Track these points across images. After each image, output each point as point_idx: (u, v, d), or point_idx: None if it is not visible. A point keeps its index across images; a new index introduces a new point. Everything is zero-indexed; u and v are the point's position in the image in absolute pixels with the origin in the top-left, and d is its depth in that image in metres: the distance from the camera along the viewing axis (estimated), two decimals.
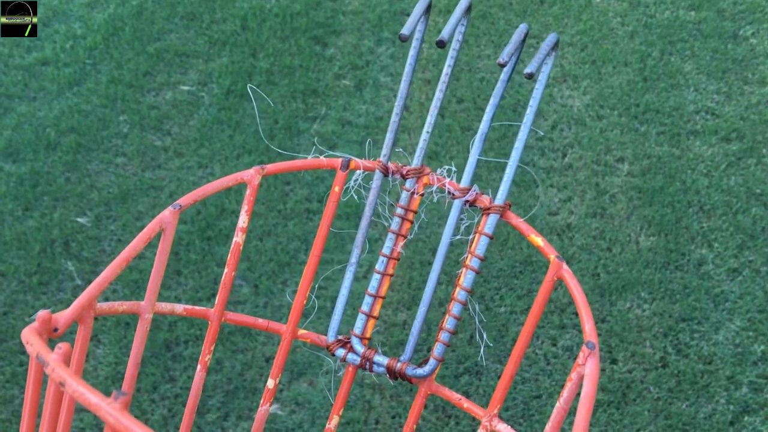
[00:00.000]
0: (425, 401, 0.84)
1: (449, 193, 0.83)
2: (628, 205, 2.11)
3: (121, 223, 2.07)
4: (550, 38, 0.76)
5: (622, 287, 1.92)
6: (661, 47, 2.61)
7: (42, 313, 0.61)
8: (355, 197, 0.84)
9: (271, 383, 0.86)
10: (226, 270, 0.82)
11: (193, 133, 2.34)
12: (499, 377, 1.76)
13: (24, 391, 1.72)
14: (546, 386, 1.74)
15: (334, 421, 0.86)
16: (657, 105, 2.40)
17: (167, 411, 1.69)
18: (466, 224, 0.82)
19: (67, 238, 2.03)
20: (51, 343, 0.60)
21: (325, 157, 0.85)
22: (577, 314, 1.88)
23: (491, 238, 0.80)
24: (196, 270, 1.96)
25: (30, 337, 0.57)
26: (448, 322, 0.80)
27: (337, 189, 0.84)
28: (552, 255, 0.75)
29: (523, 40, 0.77)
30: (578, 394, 0.64)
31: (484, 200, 0.82)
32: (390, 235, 0.83)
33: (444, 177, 0.83)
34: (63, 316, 0.64)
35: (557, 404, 0.66)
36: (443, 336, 0.81)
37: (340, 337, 0.85)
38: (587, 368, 0.64)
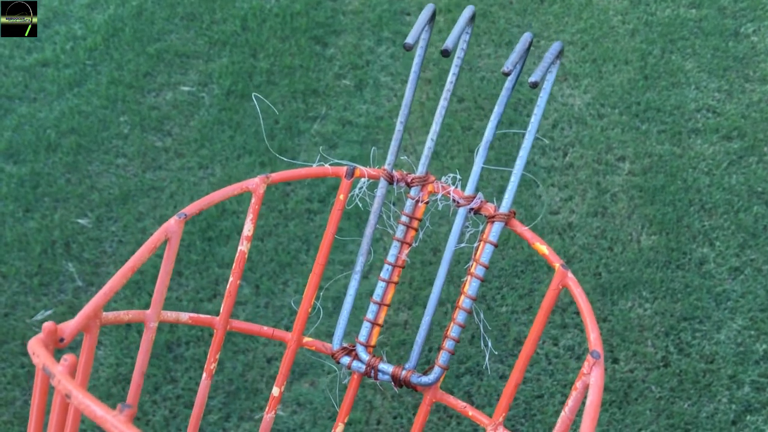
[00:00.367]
0: (430, 408, 0.84)
1: (454, 201, 0.83)
2: (629, 204, 2.11)
3: (122, 224, 2.08)
4: (555, 47, 0.76)
5: (624, 286, 1.92)
6: (662, 45, 2.61)
7: (48, 324, 0.61)
8: (360, 205, 0.84)
9: (276, 391, 0.86)
10: (231, 279, 0.82)
11: (193, 133, 2.34)
12: (500, 377, 1.76)
13: (25, 392, 1.73)
14: (548, 386, 1.74)
15: (339, 429, 0.86)
16: (658, 103, 2.40)
17: (168, 412, 1.69)
18: (471, 232, 0.82)
19: (67, 239, 2.03)
20: (57, 353, 0.60)
21: (330, 165, 0.85)
22: (578, 313, 1.88)
23: (496, 246, 0.80)
24: (197, 271, 1.96)
25: (36, 348, 0.57)
26: (453, 330, 0.80)
27: (341, 197, 0.84)
28: (557, 264, 0.75)
29: (528, 49, 0.77)
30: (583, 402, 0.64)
31: (489, 208, 0.81)
32: (395, 243, 0.83)
33: (449, 185, 0.83)
34: (69, 327, 0.64)
35: (562, 413, 0.66)
36: (448, 344, 0.81)
37: (345, 345, 0.85)
38: (592, 378, 0.64)
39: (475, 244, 0.81)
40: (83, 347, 0.68)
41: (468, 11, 0.78)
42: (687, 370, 1.76)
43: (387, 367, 0.83)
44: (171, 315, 0.80)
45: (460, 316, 0.80)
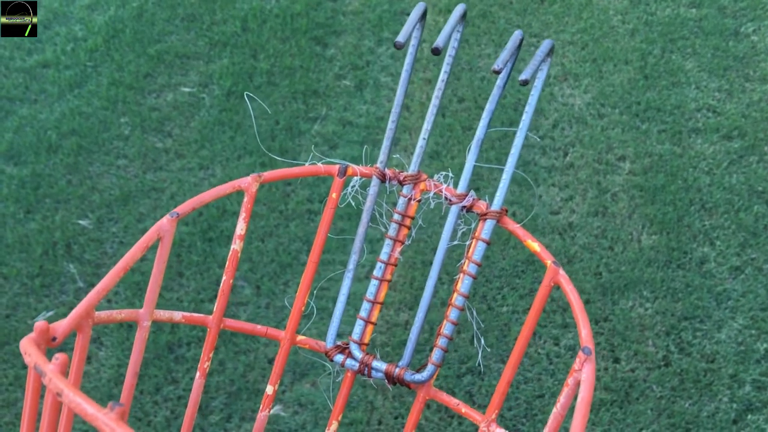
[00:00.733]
0: (424, 406, 0.84)
1: (446, 199, 0.83)
2: (629, 203, 2.11)
3: (123, 225, 2.08)
4: (545, 45, 0.76)
5: (625, 286, 1.92)
6: (662, 45, 2.61)
7: (39, 324, 0.61)
8: (353, 204, 0.84)
9: (270, 389, 0.86)
10: (224, 278, 0.82)
11: (194, 134, 2.34)
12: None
13: None
14: (549, 386, 1.74)
15: (333, 427, 0.86)
16: (658, 103, 2.40)
17: (170, 413, 1.70)
18: (464, 230, 0.82)
19: (68, 241, 2.04)
20: (51, 352, 0.60)
21: (322, 163, 0.85)
22: None
23: (488, 243, 0.80)
24: (198, 272, 1.96)
25: (28, 348, 0.57)
26: (446, 328, 0.81)
27: (334, 195, 0.84)
28: (549, 261, 0.75)
29: (518, 47, 0.77)
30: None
31: (481, 206, 0.82)
32: (387, 241, 0.84)
33: (441, 183, 0.83)
34: (61, 326, 0.64)
35: (554, 409, 0.66)
36: (441, 341, 0.81)
37: (338, 343, 0.85)
38: (583, 374, 0.64)
39: (468, 242, 0.81)
40: (76, 346, 0.68)
41: (459, 9, 0.78)
42: (688, 370, 1.75)
43: (380, 365, 0.83)
44: (164, 314, 0.80)
45: (453, 314, 0.80)
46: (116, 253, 2.02)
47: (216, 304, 0.84)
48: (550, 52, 0.76)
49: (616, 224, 2.06)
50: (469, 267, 0.80)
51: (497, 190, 0.81)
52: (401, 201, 0.84)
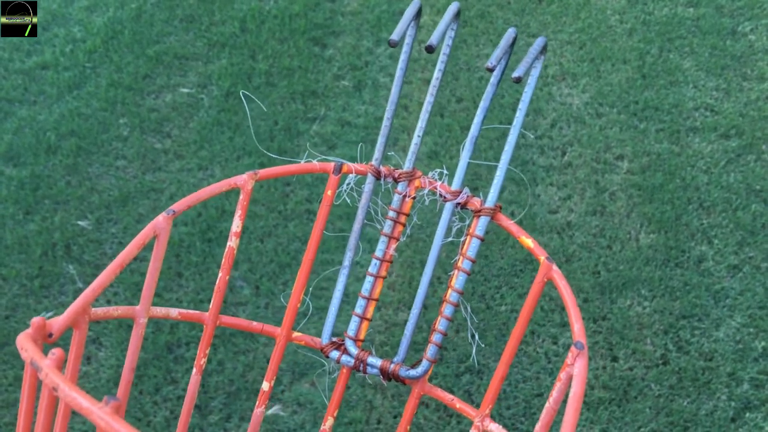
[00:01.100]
0: (419, 401, 0.85)
1: (440, 196, 0.83)
2: (627, 202, 2.11)
3: (122, 225, 2.08)
4: (538, 42, 0.77)
5: (623, 285, 1.92)
6: (660, 44, 2.61)
7: (36, 320, 0.61)
8: (348, 201, 0.84)
9: (266, 386, 0.87)
10: (220, 274, 0.83)
11: (193, 135, 2.35)
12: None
13: None
14: (547, 384, 1.74)
15: (328, 423, 0.87)
16: (656, 102, 2.40)
17: (170, 413, 1.70)
18: (458, 227, 0.82)
19: (68, 242, 2.04)
20: (48, 348, 0.61)
21: (318, 161, 0.85)
22: None
23: (482, 240, 0.81)
24: (197, 272, 1.96)
25: (24, 343, 0.58)
26: (440, 324, 0.81)
27: (329, 193, 0.84)
28: (542, 257, 0.76)
29: (512, 45, 0.78)
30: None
31: (475, 203, 0.82)
32: (382, 238, 0.84)
33: (435, 180, 0.84)
34: (57, 322, 0.65)
35: (546, 404, 0.67)
36: (436, 337, 0.81)
37: (334, 339, 0.86)
38: (576, 368, 0.65)
39: (462, 239, 0.82)
40: (72, 342, 0.68)
41: (452, 8, 0.79)
42: (686, 368, 1.76)
43: (376, 361, 0.83)
44: (161, 311, 0.81)
45: (447, 310, 0.81)
46: (115, 253, 2.02)
47: (212, 301, 0.84)
48: (544, 49, 0.77)
49: (614, 223, 2.06)
50: (464, 263, 0.80)
51: (491, 187, 0.82)
52: (396, 198, 0.85)
